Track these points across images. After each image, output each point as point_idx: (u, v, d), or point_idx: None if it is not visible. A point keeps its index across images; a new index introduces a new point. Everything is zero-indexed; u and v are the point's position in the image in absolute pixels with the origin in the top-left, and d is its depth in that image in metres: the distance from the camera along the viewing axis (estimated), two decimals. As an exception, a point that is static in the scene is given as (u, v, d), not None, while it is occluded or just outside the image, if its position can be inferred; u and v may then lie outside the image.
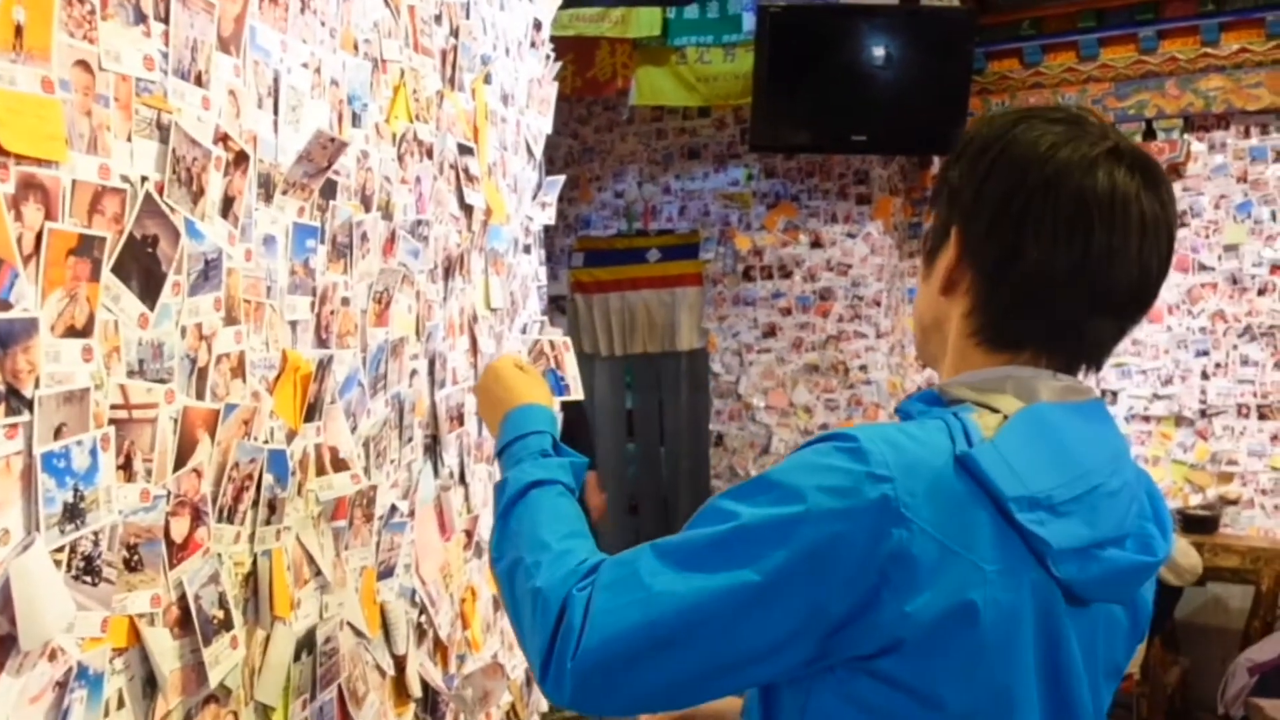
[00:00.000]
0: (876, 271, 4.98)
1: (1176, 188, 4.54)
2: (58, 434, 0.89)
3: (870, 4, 4.40)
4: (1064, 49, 4.69)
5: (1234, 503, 4.53)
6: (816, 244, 5.05)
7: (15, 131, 0.83)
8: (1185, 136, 4.56)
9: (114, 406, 0.97)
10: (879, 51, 4.43)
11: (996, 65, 4.82)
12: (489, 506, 2.12)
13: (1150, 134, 4.60)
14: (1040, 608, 0.92)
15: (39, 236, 0.87)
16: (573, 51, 4.80)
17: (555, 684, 0.95)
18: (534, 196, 2.50)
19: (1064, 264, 0.97)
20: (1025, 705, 0.93)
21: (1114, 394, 4.76)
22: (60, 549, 0.91)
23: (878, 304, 4.97)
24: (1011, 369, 1.02)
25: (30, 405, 0.86)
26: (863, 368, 5.00)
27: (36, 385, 0.87)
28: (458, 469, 1.94)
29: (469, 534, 2.00)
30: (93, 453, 0.94)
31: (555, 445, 1.27)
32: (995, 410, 0.97)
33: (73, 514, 0.91)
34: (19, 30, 0.84)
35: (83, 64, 0.92)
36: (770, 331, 5.15)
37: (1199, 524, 4.37)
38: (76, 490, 0.92)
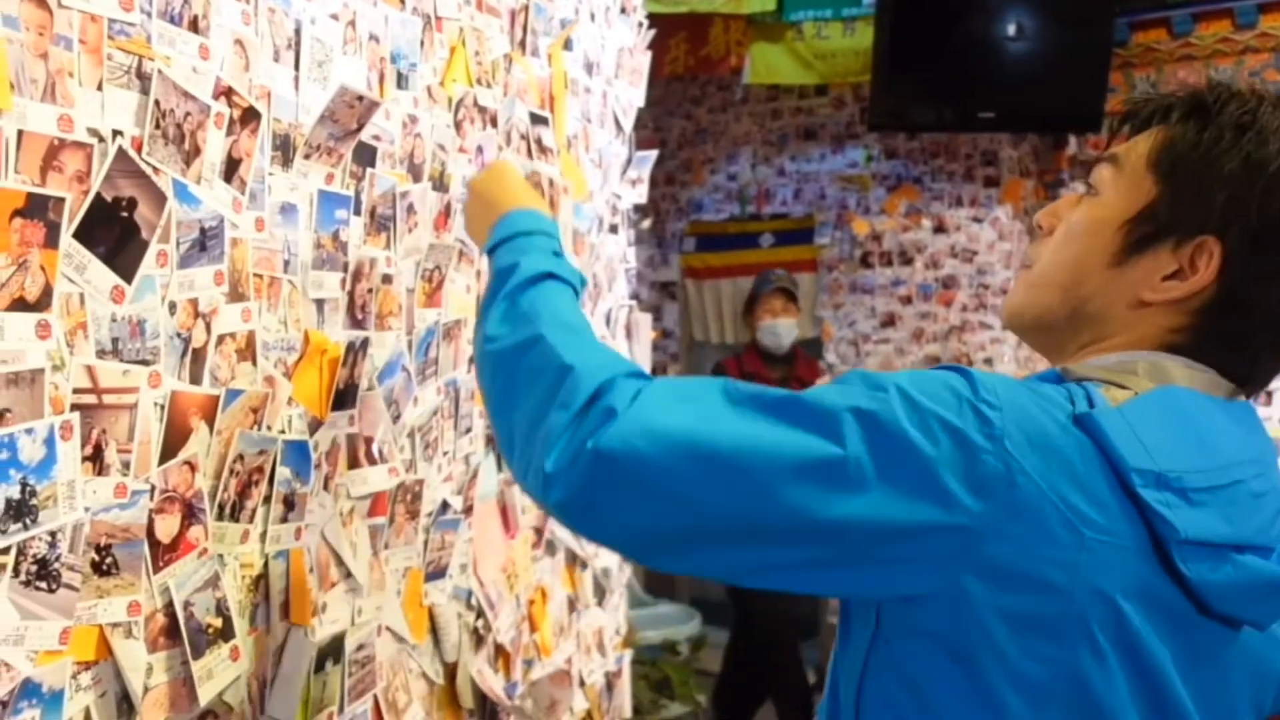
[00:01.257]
0: (1004, 258, 4.67)
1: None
2: (-1, 420, 0.78)
3: (1001, -29, 4.10)
4: (1217, 17, 4.29)
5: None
6: (940, 229, 4.77)
7: (-63, 71, 0.72)
8: (1356, 111, 4.12)
9: (79, 390, 0.86)
10: (1011, 22, 4.12)
11: (1141, 36, 4.44)
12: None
13: (1315, 109, 4.17)
14: (1145, 606, 0.78)
15: (-27, 194, 0.76)
16: (685, 29, 4.63)
17: (562, 467, 0.82)
18: (623, 173, 2.35)
19: None
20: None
21: (1268, 393, 4.36)
22: (3, 551, 0.80)
23: (1005, 293, 4.66)
24: (1146, 352, 0.89)
25: (-41, 387, 0.75)
26: (988, 360, 4.70)
27: (-32, 364, 0.76)
28: (526, 462, 1.81)
29: (539, 531, 1.87)
30: (48, 442, 0.83)
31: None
32: (1122, 386, 0.84)
33: (19, 512, 0.80)
34: (-55, -45, 0.73)
35: (36, -1, 0.81)
36: (889, 321, 4.89)
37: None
38: (25, 485, 0.81)
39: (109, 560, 0.90)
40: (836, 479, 0.77)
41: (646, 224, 5.11)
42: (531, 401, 0.90)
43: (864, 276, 4.87)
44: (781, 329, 3.85)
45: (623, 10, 2.30)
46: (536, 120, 1.77)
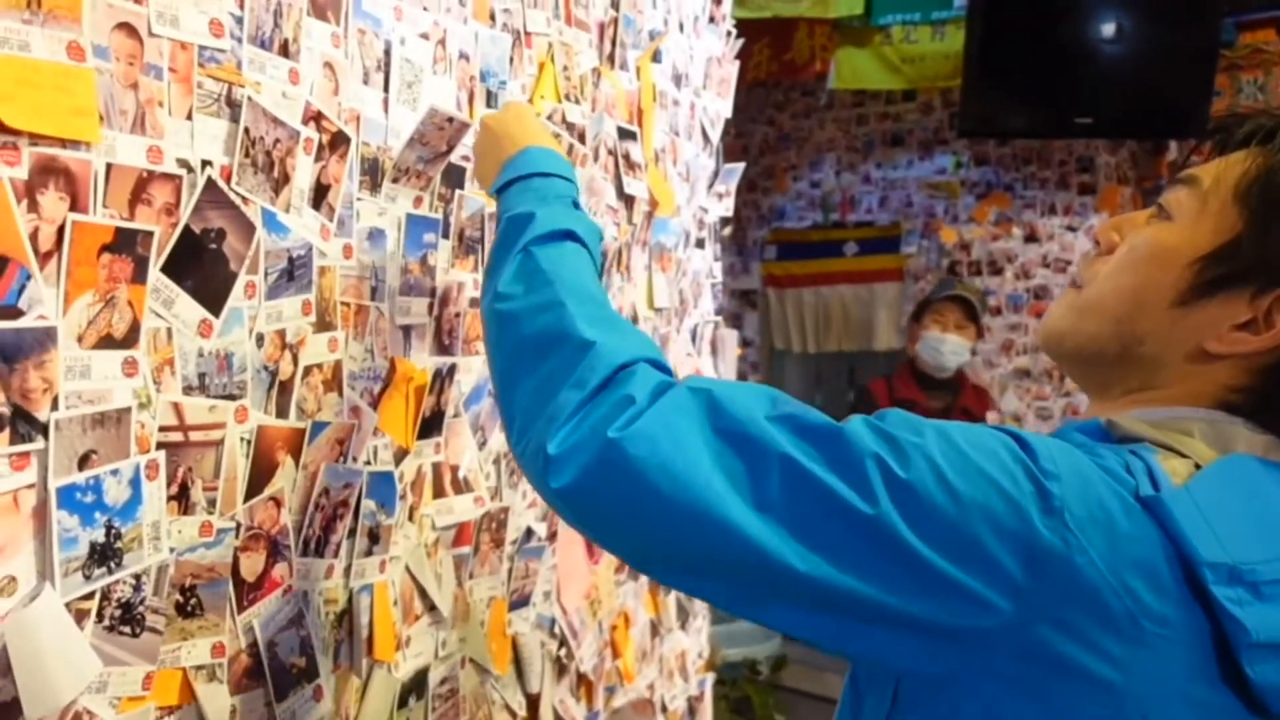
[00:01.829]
0: (1100, 268, 4.51)
1: None
2: (84, 462, 0.76)
3: (1100, -29, 3.95)
4: (1332, 16, 4.09)
5: None
6: (1031, 238, 4.62)
7: (26, 107, 0.70)
8: None
9: (165, 428, 0.84)
10: (1109, 23, 3.98)
11: (1249, 37, 4.25)
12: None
13: None
14: (1198, 710, 0.69)
15: (61, 231, 0.73)
16: (768, 34, 4.56)
17: (567, 450, 0.74)
18: (710, 186, 2.30)
19: None
20: None
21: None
22: (88, 596, 0.77)
23: (1100, 304, 4.50)
24: (1201, 411, 0.79)
25: (45, 430, 0.73)
26: (1080, 374, 4.55)
27: (55, 406, 0.74)
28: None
29: (623, 555, 1.83)
30: (134, 483, 0.80)
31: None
32: (1183, 455, 0.74)
33: (104, 555, 0.78)
34: (36, -15, 0.71)
35: (126, 28, 0.78)
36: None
37: None
38: (110, 527, 0.78)
39: (193, 601, 0.88)
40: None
41: (727, 231, 5.04)
42: (541, 373, 0.81)
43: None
44: (948, 347, 3.13)
45: (711, 19, 2.25)
46: (625, 135, 1.72)
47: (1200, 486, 0.71)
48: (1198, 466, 0.73)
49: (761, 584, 0.71)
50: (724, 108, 2.34)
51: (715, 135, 2.30)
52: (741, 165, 2.37)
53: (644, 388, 0.76)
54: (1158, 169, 4.63)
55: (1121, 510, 0.68)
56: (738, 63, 2.37)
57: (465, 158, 1.25)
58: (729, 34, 2.37)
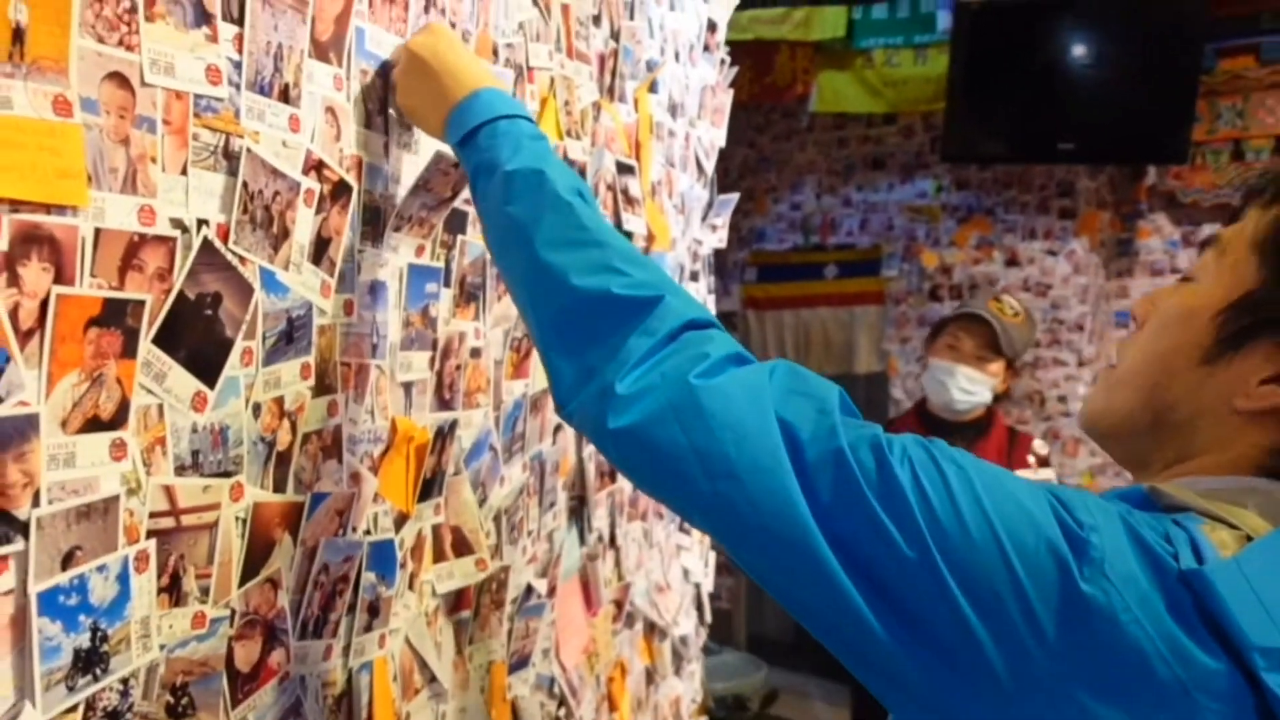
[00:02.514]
0: (1080, 293, 4.50)
1: None
2: (68, 561, 0.69)
3: (1083, -3, 3.95)
4: (1311, 44, 4.11)
5: None
6: (1012, 262, 4.60)
7: (7, 170, 0.63)
8: None
9: (155, 514, 0.76)
10: (1091, 50, 3.97)
11: (1228, 63, 4.27)
12: (642, 568, 1.88)
13: None
14: None
15: (44, 305, 0.66)
16: (750, 57, 4.51)
17: (640, 389, 0.75)
18: (704, 217, 2.24)
19: None
20: None
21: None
22: (71, 709, 0.70)
23: (1080, 328, 4.49)
24: (1253, 480, 0.73)
25: (25, 529, 0.65)
26: (1061, 398, 4.53)
27: (36, 502, 0.66)
28: (608, 531, 1.70)
29: (619, 604, 1.76)
30: (122, 578, 0.73)
31: None
32: (1234, 526, 0.68)
33: (89, 662, 0.70)
34: (18, 33, 0.64)
35: (117, 78, 0.71)
36: (959, 356, 4.73)
37: None
38: (96, 630, 0.71)
39: (185, 701, 0.80)
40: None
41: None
42: (606, 324, 0.80)
43: (932, 310, 4.71)
44: (959, 382, 2.50)
45: (706, 48, 2.20)
46: (623, 170, 1.66)
47: (1251, 558, 0.65)
48: (1249, 539, 0.68)
49: (797, 569, 0.69)
50: (718, 137, 2.29)
51: (709, 165, 2.24)
52: (735, 196, 2.32)
53: (721, 349, 0.78)
54: (1137, 193, 4.64)
55: (1158, 580, 0.63)
56: (732, 91, 2.32)
57: (467, 200, 1.18)
58: (723, 62, 2.31)
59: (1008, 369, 2.55)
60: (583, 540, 1.61)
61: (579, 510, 1.59)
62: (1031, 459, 2.53)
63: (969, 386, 2.50)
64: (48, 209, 0.66)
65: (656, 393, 0.75)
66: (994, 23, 4.02)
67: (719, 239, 2.31)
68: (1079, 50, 3.98)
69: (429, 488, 1.14)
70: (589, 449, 1.59)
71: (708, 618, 2.34)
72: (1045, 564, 0.63)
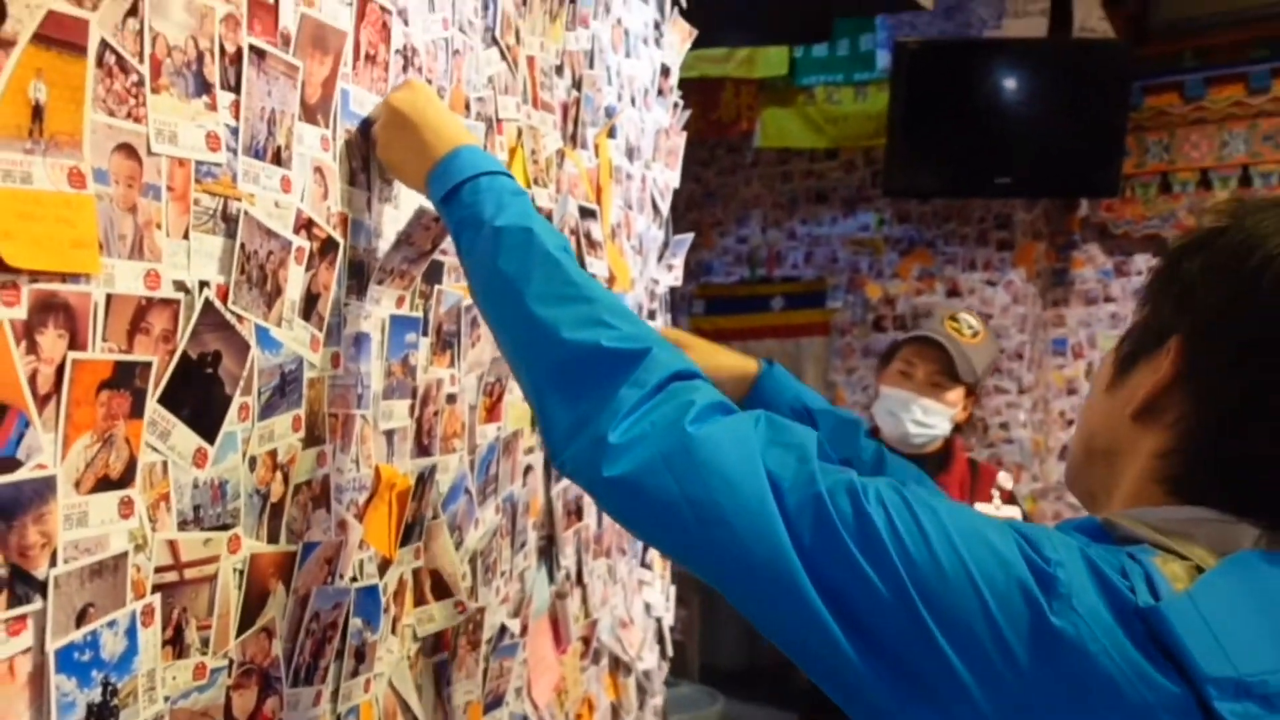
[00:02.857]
0: (1019, 322, 4.63)
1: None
2: (82, 618, 0.70)
3: (1015, 38, 4.09)
4: (1230, 81, 4.29)
5: None
6: (953, 292, 4.72)
7: (27, 243, 0.65)
8: (1372, 176, 4.12)
9: (160, 569, 0.78)
10: (1024, 89, 4.11)
11: (1154, 100, 4.44)
12: (607, 605, 1.90)
13: (1332, 173, 4.17)
14: None
15: (60, 370, 0.68)
16: (696, 94, 4.60)
17: (632, 439, 0.79)
18: (660, 257, 2.29)
19: None
20: None
21: None
22: (82, 763, 0.71)
23: (1020, 357, 4.61)
24: (1204, 511, 0.78)
25: (44, 588, 0.67)
26: (1003, 425, 4.64)
27: (53, 561, 0.68)
28: (574, 569, 1.73)
29: (586, 641, 1.78)
30: (130, 632, 0.75)
31: None
32: (1184, 558, 0.73)
33: (100, 716, 0.72)
34: (38, 111, 0.66)
35: (126, 149, 0.74)
36: (904, 385, 4.83)
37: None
38: (107, 685, 0.73)
39: (187, 751, 0.82)
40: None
41: (655, 286, 5.06)
42: (596, 375, 0.84)
43: (877, 340, 4.81)
44: (912, 413, 2.22)
45: (660, 92, 2.26)
46: (586, 214, 1.70)
47: (1204, 591, 0.70)
48: (1199, 569, 0.72)
49: (784, 609, 0.73)
50: (673, 178, 2.34)
51: (665, 206, 2.30)
52: (690, 236, 2.37)
53: (707, 399, 0.82)
54: (1070, 225, 4.79)
55: (1117, 613, 0.68)
56: (685, 134, 2.38)
57: (443, 250, 1.21)
58: (676, 105, 2.37)
59: (968, 395, 2.26)
60: (551, 579, 1.64)
61: (548, 549, 1.62)
62: (995, 494, 2.30)
63: (924, 418, 2.21)
64: (63, 277, 0.69)
65: (648, 442, 0.79)
66: (931, 62, 4.15)
67: (675, 277, 2.36)
68: (1013, 89, 4.12)
69: (409, 532, 1.16)
70: (557, 488, 1.62)
71: (669, 651, 2.37)
72: (1017, 600, 0.67)
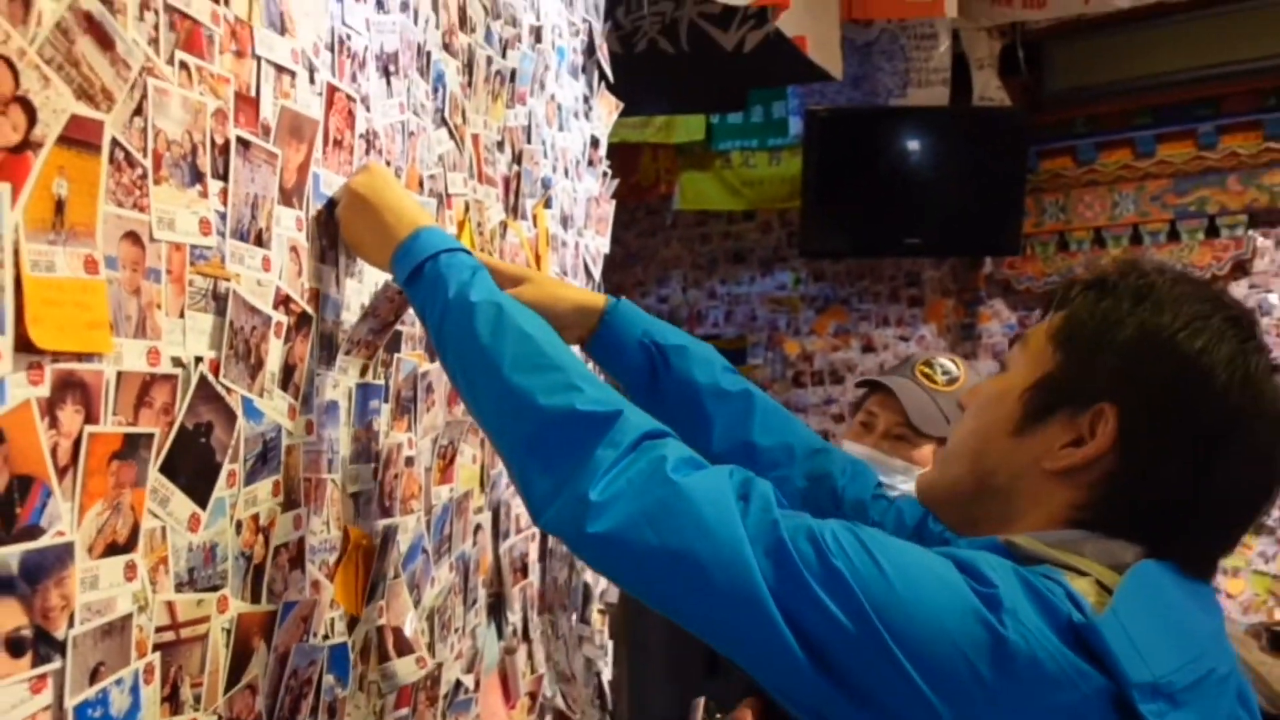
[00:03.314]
0: (931, 375, 4.81)
1: (1243, 286, 4.38)
2: (94, 676, 0.75)
3: (919, 106, 4.31)
4: (1119, 146, 4.57)
5: (1325, 617, 4.25)
6: (869, 348, 4.89)
7: (52, 326, 0.71)
8: (1250, 233, 4.41)
9: (160, 629, 0.83)
10: (929, 153, 4.34)
11: (1049, 164, 4.70)
12: (551, 660, 1.95)
13: (1213, 231, 4.45)
14: None
15: (77, 443, 0.73)
16: (616, 158, 4.72)
17: (612, 495, 0.85)
18: (593, 320, 2.37)
19: (1243, 492, 0.88)
20: None
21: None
22: (92, 815, 0.75)
23: (933, 408, 4.79)
24: (1081, 532, 0.88)
25: (63, 648, 0.72)
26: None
27: (71, 623, 0.73)
28: (521, 626, 1.78)
29: (533, 695, 1.83)
30: (133, 690, 0.79)
31: None
32: (1082, 573, 0.84)
33: (108, 770, 0.76)
34: (60, 205, 0.72)
35: (132, 236, 0.80)
36: (823, 437, 4.96)
37: (1291, 642, 4.09)
38: (114, 740, 0.77)
39: (181, 804, 0.86)
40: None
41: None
42: (573, 438, 0.90)
43: (797, 395, 4.95)
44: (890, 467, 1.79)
45: (590, 163, 2.36)
46: (527, 281, 1.78)
47: (1124, 607, 0.80)
48: (1099, 583, 0.83)
49: (760, 647, 0.80)
50: (603, 244, 2.44)
51: (597, 271, 2.39)
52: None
53: (679, 454, 0.89)
54: (976, 282, 5.01)
55: (1052, 623, 0.77)
56: (614, 201, 2.48)
57: (403, 321, 1.28)
58: (605, 174, 2.48)
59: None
60: (500, 635, 1.68)
61: (497, 606, 1.67)
62: None
63: (884, 478, 1.69)
64: (79, 356, 0.74)
65: (627, 498, 0.85)
66: (841, 129, 4.34)
67: (607, 339, 2.44)
68: (918, 153, 4.34)
69: (373, 591, 1.21)
70: (504, 546, 1.68)
71: (609, 704, 2.41)
72: (972, 623, 0.76)
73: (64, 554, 0.72)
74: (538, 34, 1.88)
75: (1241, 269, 4.44)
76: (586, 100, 2.32)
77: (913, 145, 4.33)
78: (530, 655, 1.83)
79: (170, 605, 0.84)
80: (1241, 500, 0.89)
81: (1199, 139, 4.42)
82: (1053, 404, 0.91)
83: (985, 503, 0.94)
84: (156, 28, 0.82)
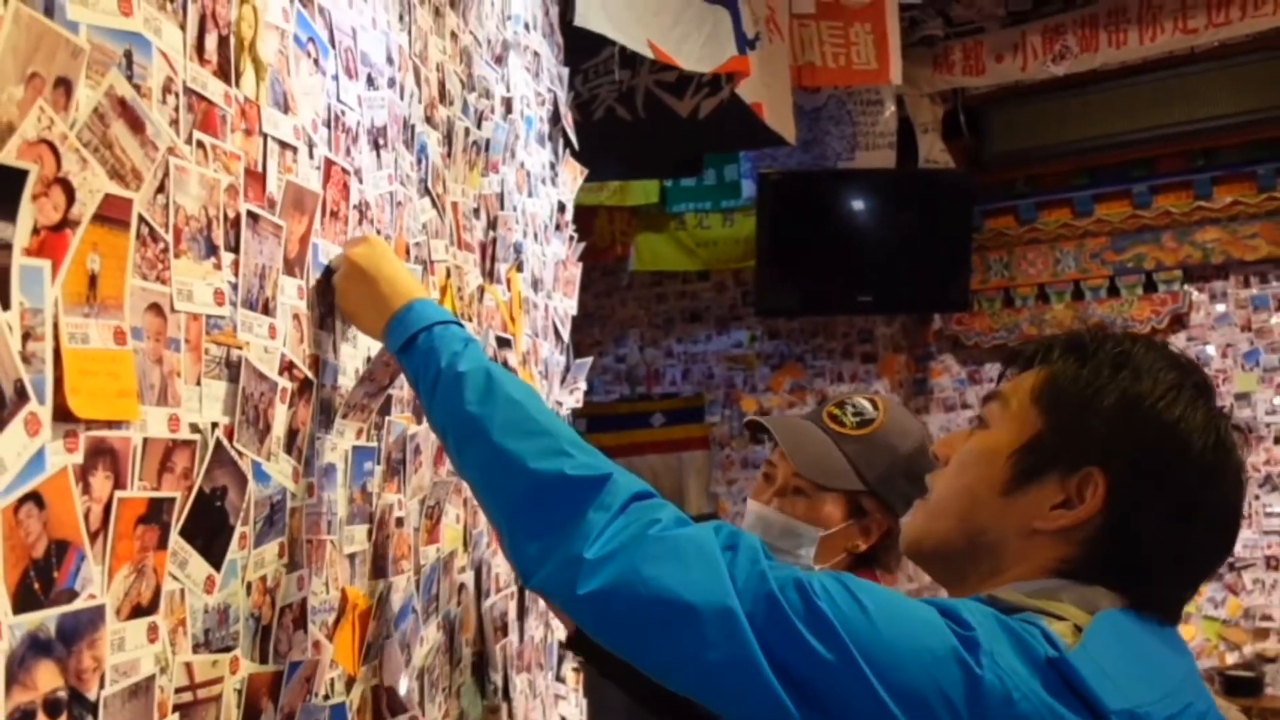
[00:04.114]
0: (885, 429, 4.89)
1: (1181, 338, 4.54)
2: (121, 737, 0.77)
3: (867, 169, 4.45)
4: (1059, 205, 4.75)
5: (1273, 660, 4.36)
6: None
7: (86, 395, 0.74)
8: (1186, 287, 4.58)
9: (179, 690, 0.85)
10: (877, 214, 4.47)
11: (993, 223, 4.87)
12: (528, 719, 1.96)
13: (1151, 286, 4.62)
14: None
15: (107, 508, 0.76)
16: (573, 221, 4.81)
17: (605, 554, 0.89)
18: (562, 381, 2.41)
19: (1213, 544, 0.96)
20: None
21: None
22: None
23: (888, 462, 4.87)
24: (1061, 581, 0.94)
25: (95, 709, 0.74)
26: (877, 528, 4.86)
27: (102, 684, 0.75)
28: (502, 684, 1.79)
29: (513, 755, 1.84)
30: (156, 750, 0.81)
31: None
32: (1060, 617, 0.89)
33: (133, 830, 0.78)
34: (93, 280, 0.76)
35: (155, 308, 0.83)
36: (781, 494, 5.02)
37: (1243, 686, 4.18)
38: (138, 800, 0.78)
39: None
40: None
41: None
42: (565, 502, 0.94)
43: (755, 452, 5.01)
44: (768, 529, 1.57)
45: (558, 227, 2.42)
46: (502, 344, 1.82)
47: (1093, 643, 0.85)
48: (1076, 627, 0.88)
49: (749, 697, 0.84)
50: (571, 306, 2.49)
51: (565, 332, 2.44)
52: (589, 360, 2.52)
53: (668, 514, 0.93)
54: (927, 338, 5.14)
55: (1031, 664, 0.82)
56: (580, 264, 2.54)
57: (395, 386, 1.31)
58: (571, 238, 2.54)
59: (873, 508, 1.56)
60: (483, 693, 1.70)
61: (480, 665, 1.69)
62: None
63: (779, 542, 1.53)
64: (109, 424, 0.77)
65: (619, 557, 0.89)
66: (792, 191, 4.47)
67: (576, 399, 2.49)
68: (868, 214, 4.47)
69: (368, 651, 1.23)
70: (486, 605, 1.70)
71: (584, 764, 2.41)
72: (951, 665, 0.80)
73: (96, 617, 0.74)
74: (508, 105, 1.94)
75: (1179, 322, 4.61)
76: (553, 167, 2.39)
77: (862, 206, 4.47)
78: (510, 715, 1.84)
79: (189, 666, 0.86)
80: (1211, 550, 0.96)
81: (1134, 198, 4.61)
82: (1042, 466, 0.96)
83: (975, 559, 0.99)
84: (177, 110, 0.87)
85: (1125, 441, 0.93)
